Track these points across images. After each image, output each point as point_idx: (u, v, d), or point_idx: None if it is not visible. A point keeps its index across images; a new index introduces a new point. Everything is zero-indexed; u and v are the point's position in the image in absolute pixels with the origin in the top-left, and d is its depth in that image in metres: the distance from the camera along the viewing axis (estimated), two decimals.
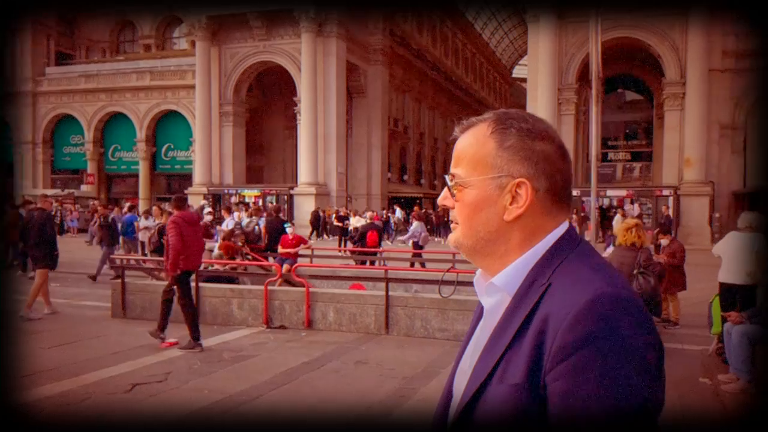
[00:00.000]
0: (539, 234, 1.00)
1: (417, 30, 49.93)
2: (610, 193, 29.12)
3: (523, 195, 0.99)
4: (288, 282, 11.32)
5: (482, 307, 1.08)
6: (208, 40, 36.01)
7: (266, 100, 42.04)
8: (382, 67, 41.63)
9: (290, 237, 12.34)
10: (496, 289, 1.01)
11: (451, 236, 1.07)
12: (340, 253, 17.55)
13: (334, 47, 35.24)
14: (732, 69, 28.03)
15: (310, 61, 34.47)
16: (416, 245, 12.74)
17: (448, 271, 8.32)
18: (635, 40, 29.08)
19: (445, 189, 1.06)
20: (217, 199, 34.91)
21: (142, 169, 40.48)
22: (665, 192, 27.27)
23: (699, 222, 26.24)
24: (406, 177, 49.41)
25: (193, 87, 37.06)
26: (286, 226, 12.68)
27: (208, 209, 20.56)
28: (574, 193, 29.52)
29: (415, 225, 12.45)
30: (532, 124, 1.02)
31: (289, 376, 6.25)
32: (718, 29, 27.67)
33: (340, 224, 20.67)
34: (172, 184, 41.71)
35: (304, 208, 33.04)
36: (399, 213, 34.28)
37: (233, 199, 33.95)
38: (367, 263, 13.26)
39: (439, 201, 1.07)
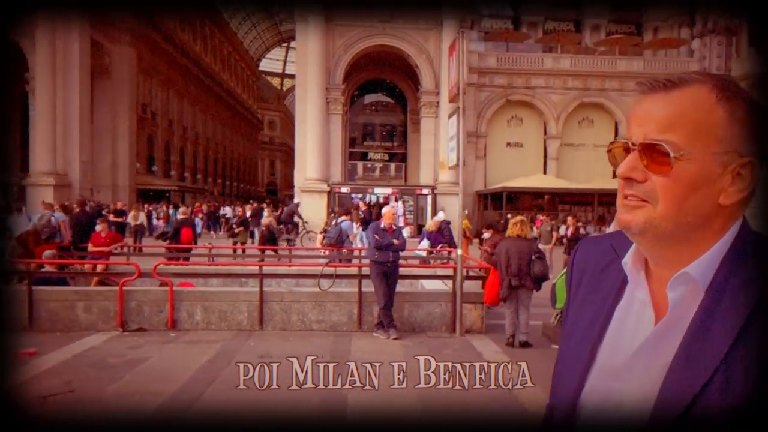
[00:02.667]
0: (733, 221, 0.92)
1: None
2: (377, 190, 31.87)
3: (747, 177, 0.89)
4: (103, 283, 10.70)
5: (612, 294, 0.99)
6: None
7: None
8: (128, 47, 38.98)
9: (103, 234, 11.53)
10: (686, 279, 0.90)
11: (636, 216, 0.91)
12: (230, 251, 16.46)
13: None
14: (475, 84, 32.85)
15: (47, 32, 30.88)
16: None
17: (326, 265, 8.94)
18: (396, 49, 32.22)
19: (633, 157, 0.91)
20: None
21: None
22: (425, 191, 30.87)
23: (452, 217, 30.26)
24: (155, 168, 46.86)
25: None
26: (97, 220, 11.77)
27: None
28: (344, 190, 31.84)
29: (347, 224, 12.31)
30: (752, 96, 0.92)
31: (210, 374, 6.31)
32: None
33: (118, 220, 19.21)
34: None
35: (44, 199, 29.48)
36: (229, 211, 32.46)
37: None
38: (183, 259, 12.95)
39: (625, 172, 0.91)
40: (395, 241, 8.36)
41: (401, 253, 8.73)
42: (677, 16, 34.42)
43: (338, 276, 8.74)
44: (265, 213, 18.83)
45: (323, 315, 8.67)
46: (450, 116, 9.20)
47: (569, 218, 16.67)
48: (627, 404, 0.91)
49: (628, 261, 0.97)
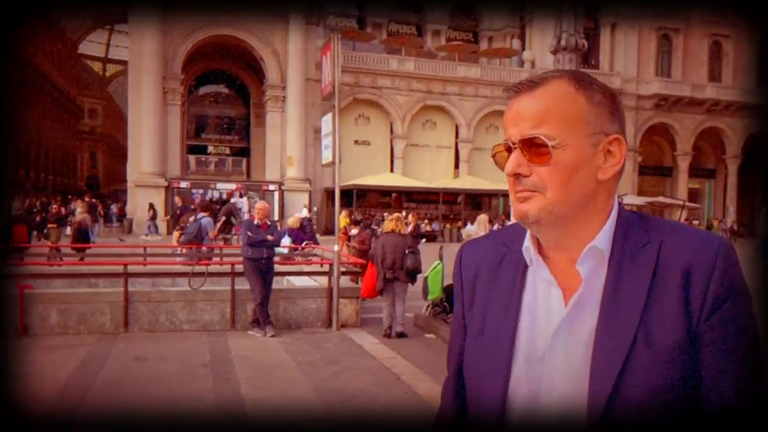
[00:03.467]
0: (613, 194, 1.02)
1: None
2: (220, 186, 31.02)
3: (616, 152, 0.99)
4: None
5: (516, 285, 1.05)
6: None
7: None
8: None
9: None
10: (593, 253, 0.99)
11: (530, 205, 0.98)
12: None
13: None
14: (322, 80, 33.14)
15: None
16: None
17: (197, 263, 8.70)
18: (240, 40, 31.56)
19: (516, 155, 0.99)
20: None
21: None
22: (271, 187, 30.61)
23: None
24: None
25: None
26: None
27: None
28: (183, 185, 30.59)
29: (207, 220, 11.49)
30: (602, 82, 1.03)
31: (85, 379, 5.95)
32: (312, 43, 32.40)
33: None
34: None
35: None
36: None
37: None
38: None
39: (512, 169, 0.99)
40: (269, 237, 8.37)
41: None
42: (509, 28, 37.49)
43: (210, 274, 8.56)
44: (78, 210, 16.99)
45: (194, 314, 8.44)
46: (324, 114, 9.39)
47: (410, 216, 17.50)
48: (557, 386, 0.96)
49: (529, 246, 1.03)
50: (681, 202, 31.49)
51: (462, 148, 34.69)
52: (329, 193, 32.71)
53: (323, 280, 9.54)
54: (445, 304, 8.56)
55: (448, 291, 8.49)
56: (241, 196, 30.42)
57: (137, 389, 5.75)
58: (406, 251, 7.92)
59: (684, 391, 0.93)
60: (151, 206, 17.07)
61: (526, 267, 1.05)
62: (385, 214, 20.01)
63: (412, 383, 6.10)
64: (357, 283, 9.79)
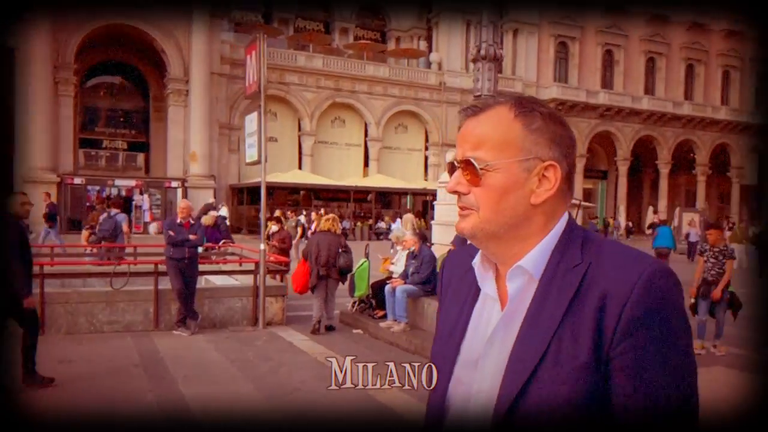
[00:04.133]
0: (557, 216, 1.06)
1: None
2: (119, 182, 29.84)
3: (551, 178, 1.04)
4: None
5: (471, 295, 1.13)
6: None
7: None
8: None
9: None
10: (521, 272, 1.04)
11: (466, 223, 1.06)
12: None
13: None
14: (227, 74, 32.62)
15: None
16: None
17: (119, 263, 8.55)
18: (139, 30, 30.44)
19: (457, 174, 1.06)
20: None
21: None
22: (174, 183, 29.80)
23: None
24: None
25: None
26: None
27: None
28: (78, 181, 29.22)
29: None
30: (549, 109, 1.08)
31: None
32: (217, 37, 31.86)
33: None
34: None
35: None
36: None
37: None
38: None
39: (452, 187, 1.07)
40: (192, 237, 8.37)
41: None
42: (416, 29, 38.44)
43: (133, 274, 8.46)
44: None
45: (116, 315, 8.31)
46: (249, 114, 9.48)
47: (313, 214, 17.72)
48: (484, 390, 1.03)
49: (477, 261, 1.11)
50: (577, 202, 33.48)
51: (371, 147, 35.23)
52: (234, 190, 32.31)
53: (244, 279, 9.65)
54: (371, 300, 8.90)
55: (374, 288, 8.85)
56: (141, 193, 29.41)
57: (70, 391, 5.70)
58: (340, 250, 8.21)
59: (588, 411, 0.96)
60: (50, 204, 16.07)
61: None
62: (312, 214, 20.23)
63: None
64: (282, 281, 9.95)
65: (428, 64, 37.13)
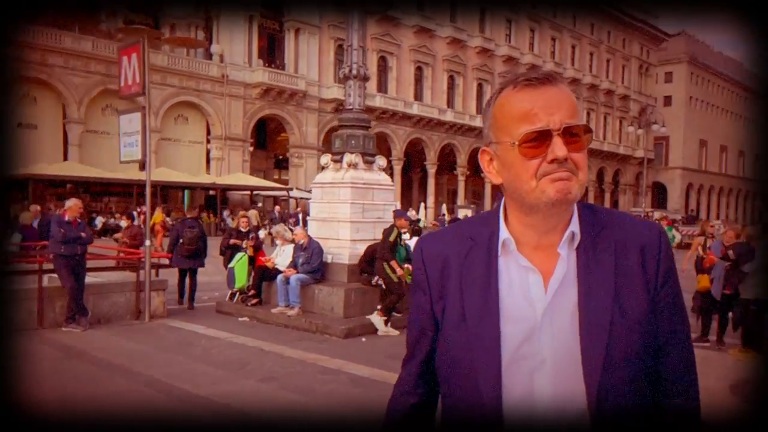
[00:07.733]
0: None
1: None
2: None
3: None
4: None
5: (488, 274, 1.20)
6: None
7: None
8: None
9: None
10: (574, 237, 1.19)
11: (573, 186, 1.13)
12: None
13: None
14: None
15: None
16: None
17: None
18: None
19: (560, 140, 1.11)
20: None
21: None
22: None
23: None
24: None
25: None
26: None
27: None
28: None
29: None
30: None
31: None
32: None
33: None
34: None
35: None
36: None
37: None
38: None
39: (562, 152, 1.11)
40: (83, 234, 8.94)
41: None
42: (194, 17, 38.37)
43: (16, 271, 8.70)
44: None
45: None
46: (126, 113, 10.07)
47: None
48: (548, 357, 1.15)
49: (510, 238, 1.20)
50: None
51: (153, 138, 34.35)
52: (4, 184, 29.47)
53: (115, 276, 10.25)
54: (252, 291, 10.17)
55: (255, 279, 10.21)
56: None
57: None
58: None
59: (652, 351, 1.20)
60: None
61: (497, 258, 1.22)
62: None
63: (275, 350, 7.78)
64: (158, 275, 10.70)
65: (208, 56, 37.38)
